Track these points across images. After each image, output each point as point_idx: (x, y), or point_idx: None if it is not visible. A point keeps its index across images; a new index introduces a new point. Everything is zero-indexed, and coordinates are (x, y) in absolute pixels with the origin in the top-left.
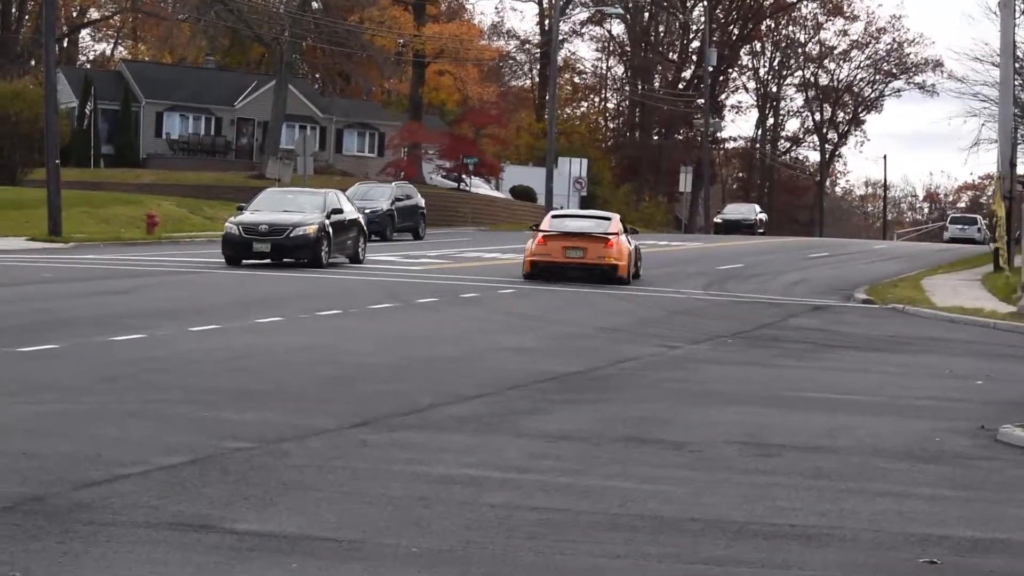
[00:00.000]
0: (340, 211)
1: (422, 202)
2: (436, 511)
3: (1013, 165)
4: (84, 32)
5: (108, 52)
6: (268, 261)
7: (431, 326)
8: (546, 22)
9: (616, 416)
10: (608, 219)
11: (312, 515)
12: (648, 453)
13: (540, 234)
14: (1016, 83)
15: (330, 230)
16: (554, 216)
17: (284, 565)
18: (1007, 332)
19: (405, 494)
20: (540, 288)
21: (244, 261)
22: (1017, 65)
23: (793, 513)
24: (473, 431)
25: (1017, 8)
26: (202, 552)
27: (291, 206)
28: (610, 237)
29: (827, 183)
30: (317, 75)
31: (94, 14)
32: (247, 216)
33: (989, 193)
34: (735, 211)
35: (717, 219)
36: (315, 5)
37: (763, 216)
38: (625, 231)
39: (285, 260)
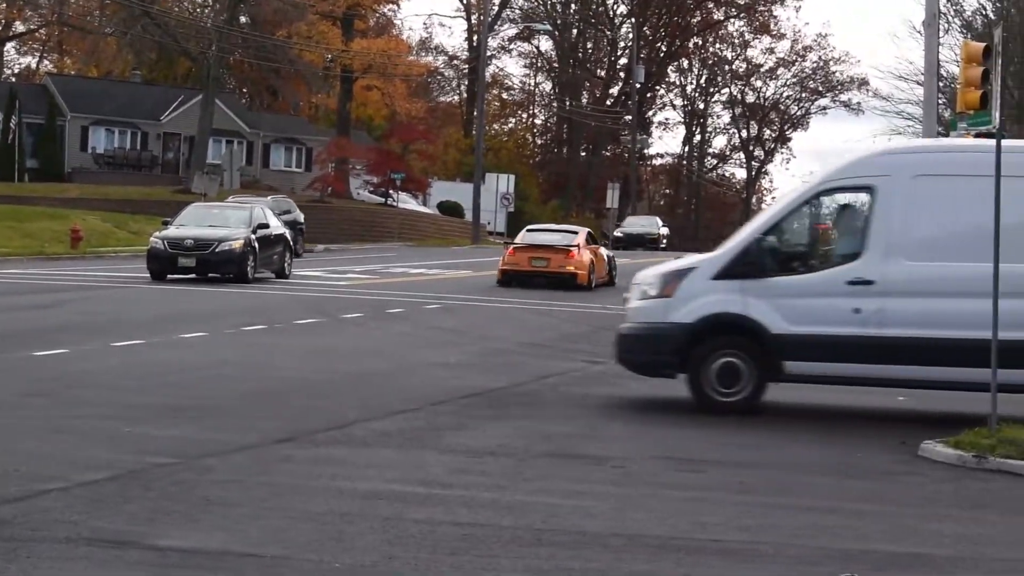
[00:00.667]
0: (266, 226)
1: (301, 217)
2: (359, 527)
3: None
4: (9, 45)
5: (33, 65)
6: (194, 276)
7: (357, 341)
8: (474, 38)
9: (540, 431)
10: (575, 233)
11: (235, 531)
12: (572, 468)
13: (511, 246)
14: (939, 102)
15: (256, 245)
16: (528, 230)
17: None
18: None
19: (328, 510)
20: (466, 304)
21: (169, 276)
22: (941, 84)
23: (716, 528)
24: (398, 446)
25: (941, 27)
26: (123, 568)
27: (217, 221)
28: (572, 249)
29: (753, 200)
30: (244, 90)
31: (19, 27)
32: (172, 231)
33: None
34: (636, 224)
35: (617, 232)
36: (243, 20)
37: (665, 230)
38: (595, 243)
39: (211, 275)
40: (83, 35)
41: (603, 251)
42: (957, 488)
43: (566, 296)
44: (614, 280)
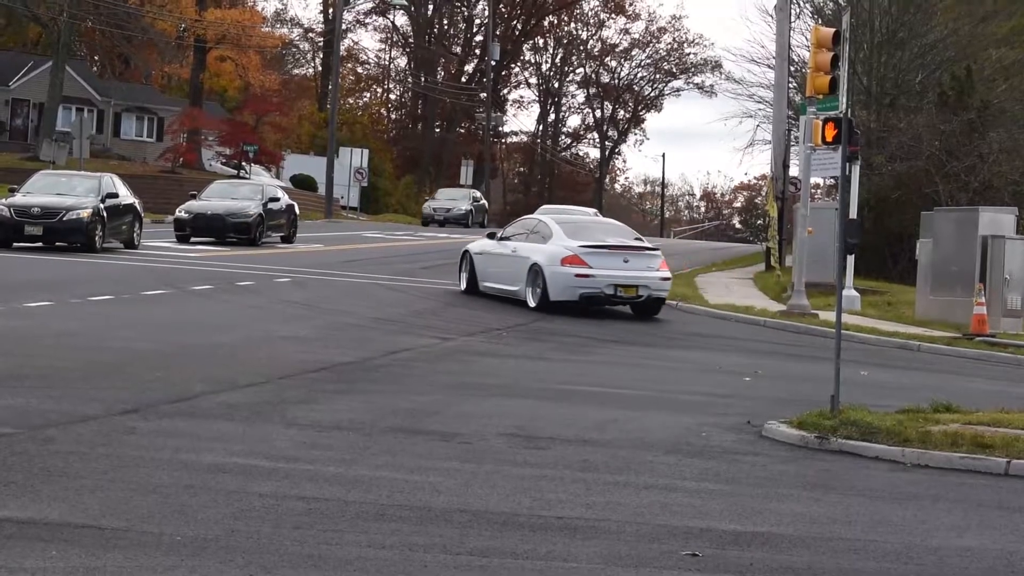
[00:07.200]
0: (115, 195)
1: None
2: (202, 499)
3: (786, 166)
4: None
5: None
6: (40, 244)
7: (205, 313)
8: (330, 11)
9: (388, 407)
10: None
11: (75, 502)
12: (418, 444)
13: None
14: (790, 86)
15: (105, 214)
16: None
17: (43, 553)
18: (776, 330)
19: (171, 482)
20: (317, 277)
21: (15, 244)
22: (791, 68)
23: (560, 505)
24: (244, 420)
25: (792, 12)
26: None
27: (65, 189)
28: None
29: (607, 180)
30: (96, 57)
31: None
32: (19, 198)
33: (763, 193)
34: (224, 196)
35: (180, 212)
36: None
37: (283, 202)
38: None
39: (58, 244)
40: None
41: None
42: (799, 468)
43: (418, 272)
44: None
